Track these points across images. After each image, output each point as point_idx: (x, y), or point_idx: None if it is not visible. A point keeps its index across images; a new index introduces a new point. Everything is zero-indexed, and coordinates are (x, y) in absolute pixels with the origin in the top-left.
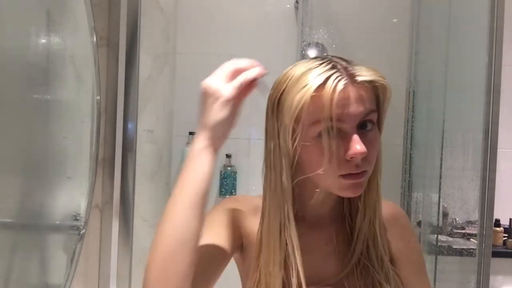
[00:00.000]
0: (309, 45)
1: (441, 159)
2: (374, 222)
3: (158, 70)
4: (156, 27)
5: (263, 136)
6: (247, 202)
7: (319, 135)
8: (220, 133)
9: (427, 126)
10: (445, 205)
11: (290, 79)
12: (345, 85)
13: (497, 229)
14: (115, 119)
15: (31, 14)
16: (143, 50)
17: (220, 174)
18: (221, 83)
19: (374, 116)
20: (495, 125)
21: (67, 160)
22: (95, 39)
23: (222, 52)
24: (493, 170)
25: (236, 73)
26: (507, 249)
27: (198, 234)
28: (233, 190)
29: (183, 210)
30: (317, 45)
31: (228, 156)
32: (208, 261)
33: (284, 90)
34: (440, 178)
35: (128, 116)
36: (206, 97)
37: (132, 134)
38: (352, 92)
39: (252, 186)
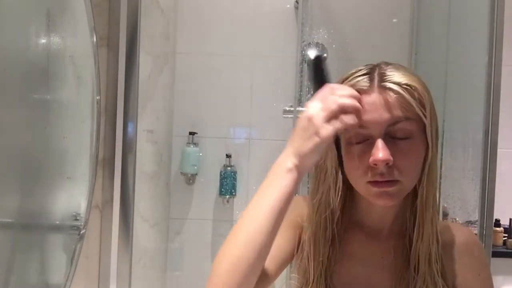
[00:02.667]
0: (309, 45)
1: (441, 159)
2: (431, 242)
3: (158, 70)
4: (156, 27)
5: (263, 136)
6: (304, 206)
7: (349, 141)
8: (309, 164)
9: None
10: (445, 205)
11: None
12: (370, 89)
13: (497, 229)
14: (115, 119)
15: (31, 14)
16: (143, 50)
17: (220, 174)
18: (323, 119)
19: (408, 125)
20: (495, 125)
21: (67, 160)
22: (95, 39)
23: (222, 52)
24: (493, 170)
25: (340, 110)
26: (507, 249)
27: (269, 246)
28: (233, 190)
29: (260, 224)
30: (317, 45)
31: (228, 156)
32: (271, 261)
33: None
34: (440, 178)
35: (128, 116)
36: (307, 125)
37: (132, 134)
38: (379, 98)
39: (252, 186)
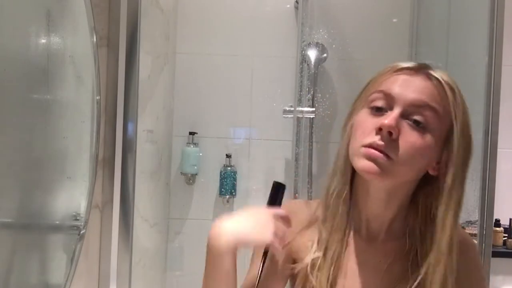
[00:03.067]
0: (309, 45)
1: None
2: (445, 255)
3: (158, 70)
4: (156, 27)
5: (263, 136)
6: (299, 212)
7: (371, 107)
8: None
9: None
10: None
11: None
12: (412, 68)
13: (497, 229)
14: (115, 119)
15: (31, 14)
16: (143, 50)
17: (220, 174)
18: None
19: (431, 116)
20: (495, 125)
21: (67, 160)
22: (95, 39)
23: (222, 52)
24: (493, 170)
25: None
26: (507, 249)
27: None
28: (233, 190)
29: None
30: (317, 45)
31: (228, 156)
32: None
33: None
34: None
35: (128, 116)
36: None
37: (132, 134)
38: (413, 78)
39: (252, 186)
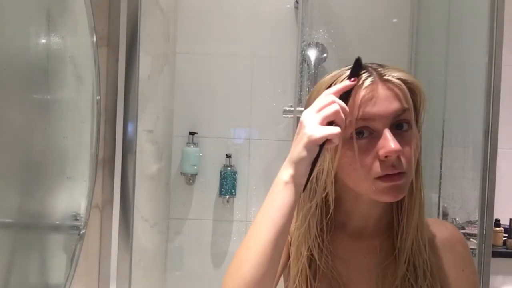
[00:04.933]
0: (309, 45)
1: (441, 159)
2: (417, 237)
3: (158, 70)
4: (156, 27)
5: (263, 136)
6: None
7: (351, 136)
8: (302, 172)
9: (427, 126)
10: (445, 205)
11: (322, 83)
12: (373, 83)
13: (497, 229)
14: (115, 119)
15: (31, 14)
16: (143, 50)
17: (220, 174)
18: (315, 122)
19: (409, 116)
20: (495, 125)
21: (67, 160)
22: (95, 39)
23: (222, 52)
24: (493, 170)
25: (333, 114)
26: (507, 249)
27: (276, 262)
28: (233, 190)
29: (263, 242)
30: (317, 45)
31: (228, 156)
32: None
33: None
34: (440, 178)
35: (128, 116)
36: (299, 129)
37: (132, 134)
38: (382, 91)
39: (252, 186)
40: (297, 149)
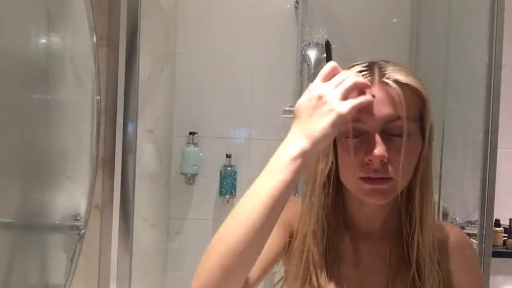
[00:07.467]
0: (309, 45)
1: (441, 159)
2: (427, 242)
3: (158, 70)
4: (156, 27)
5: (263, 136)
6: (296, 207)
7: (345, 135)
8: (319, 148)
9: None
10: (445, 205)
11: None
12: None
13: (497, 229)
14: (115, 119)
15: (31, 14)
16: (143, 50)
17: (220, 174)
18: (338, 96)
19: (404, 123)
20: (495, 125)
21: (67, 160)
22: (95, 39)
23: (222, 52)
24: (493, 170)
25: (354, 87)
26: (507, 249)
27: (262, 240)
28: (233, 190)
29: (255, 214)
30: (317, 45)
31: (228, 156)
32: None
33: None
34: (440, 178)
35: (128, 116)
36: (318, 104)
37: (132, 134)
38: (378, 93)
39: None
40: (321, 125)
